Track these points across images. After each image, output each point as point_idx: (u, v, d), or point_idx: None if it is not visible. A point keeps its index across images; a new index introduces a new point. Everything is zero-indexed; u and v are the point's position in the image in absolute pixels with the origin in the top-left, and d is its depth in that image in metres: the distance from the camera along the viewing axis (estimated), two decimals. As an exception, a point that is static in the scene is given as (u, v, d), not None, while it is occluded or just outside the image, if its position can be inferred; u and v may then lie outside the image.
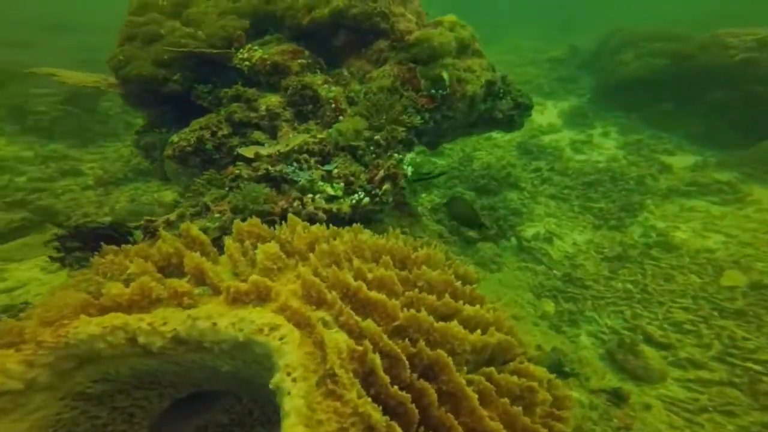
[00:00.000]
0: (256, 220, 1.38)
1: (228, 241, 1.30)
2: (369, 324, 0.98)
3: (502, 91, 3.17)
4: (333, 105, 2.65)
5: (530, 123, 7.29)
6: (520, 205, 4.55)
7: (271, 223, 1.53)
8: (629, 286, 3.61)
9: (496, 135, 6.52)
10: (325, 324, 1.00)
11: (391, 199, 2.36)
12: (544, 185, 5.11)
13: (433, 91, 2.73)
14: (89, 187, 4.71)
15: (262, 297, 1.10)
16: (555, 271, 3.70)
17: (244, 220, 1.39)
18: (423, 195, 4.48)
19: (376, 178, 2.31)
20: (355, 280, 1.10)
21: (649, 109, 7.41)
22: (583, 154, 6.34)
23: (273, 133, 2.65)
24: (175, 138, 2.61)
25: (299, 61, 2.83)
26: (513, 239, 3.99)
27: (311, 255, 1.22)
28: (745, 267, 3.85)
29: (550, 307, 3.26)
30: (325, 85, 2.73)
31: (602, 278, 3.69)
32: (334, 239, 1.34)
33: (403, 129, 2.55)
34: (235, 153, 2.43)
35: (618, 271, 3.80)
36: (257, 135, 2.59)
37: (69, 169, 5.04)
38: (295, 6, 2.99)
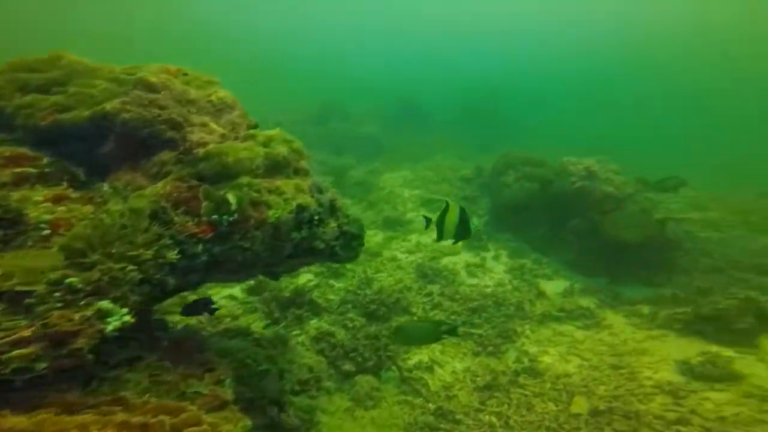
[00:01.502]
0: None
1: None
2: None
3: (317, 218, 2.83)
4: (48, 231, 2.13)
5: (434, 244, 8.33)
6: (408, 332, 5.07)
7: None
8: (494, 418, 4.08)
9: (400, 256, 7.35)
10: None
11: (43, 365, 1.74)
12: (434, 310, 5.76)
13: (215, 216, 2.33)
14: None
15: None
16: (430, 405, 4.07)
17: None
18: (312, 321, 4.81)
19: (5, 339, 1.68)
20: None
21: (531, 233, 8.93)
22: (476, 278, 7.30)
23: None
24: None
25: (19, 169, 2.33)
26: (394, 370, 4.37)
27: None
28: (590, 392, 4.57)
29: (416, 447, 3.54)
30: (46, 204, 2.22)
31: (472, 410, 4.14)
32: None
33: (135, 267, 2.04)
34: None
35: (487, 401, 4.29)
36: None
37: None
38: (37, 104, 2.63)
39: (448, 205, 3.25)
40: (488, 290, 6.79)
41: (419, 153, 15.67)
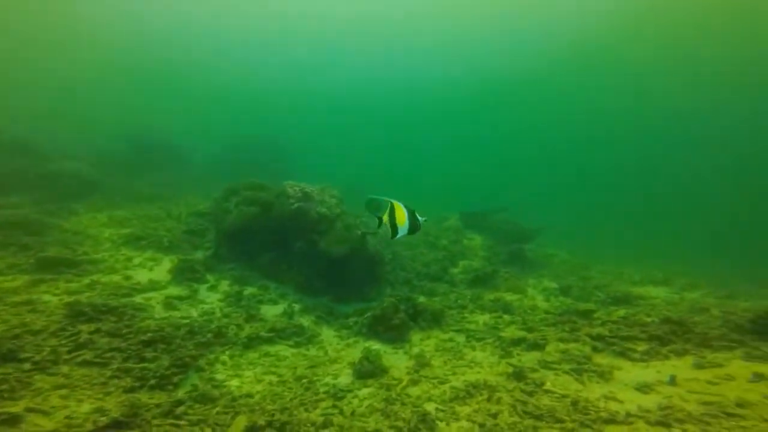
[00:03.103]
0: None
1: None
2: None
3: None
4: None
5: (126, 280, 6.81)
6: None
7: None
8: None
9: (48, 298, 5.55)
10: None
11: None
12: (78, 351, 4.35)
13: None
14: None
15: None
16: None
17: None
18: None
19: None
20: None
21: (260, 259, 8.59)
22: (175, 311, 6.25)
23: None
24: None
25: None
26: None
27: None
28: (261, 408, 4.15)
29: None
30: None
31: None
32: None
33: None
34: None
35: (110, 445, 3.23)
36: None
37: None
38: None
39: (392, 205, 3.47)
40: (185, 321, 5.84)
41: (156, 193, 13.69)
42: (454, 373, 5.27)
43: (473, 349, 6.20)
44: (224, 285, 7.65)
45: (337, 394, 4.69)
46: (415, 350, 6.15)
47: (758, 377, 4.15)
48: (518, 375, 4.93)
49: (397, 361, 5.83)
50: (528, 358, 5.55)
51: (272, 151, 21.32)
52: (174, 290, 6.92)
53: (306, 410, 4.32)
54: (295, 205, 8.53)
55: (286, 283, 8.60)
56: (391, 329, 6.75)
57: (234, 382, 4.85)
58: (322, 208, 8.75)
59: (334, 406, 4.42)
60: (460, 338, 6.67)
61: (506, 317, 7.63)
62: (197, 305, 6.64)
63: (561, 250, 14.89)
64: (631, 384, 4.54)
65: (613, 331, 5.74)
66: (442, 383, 4.97)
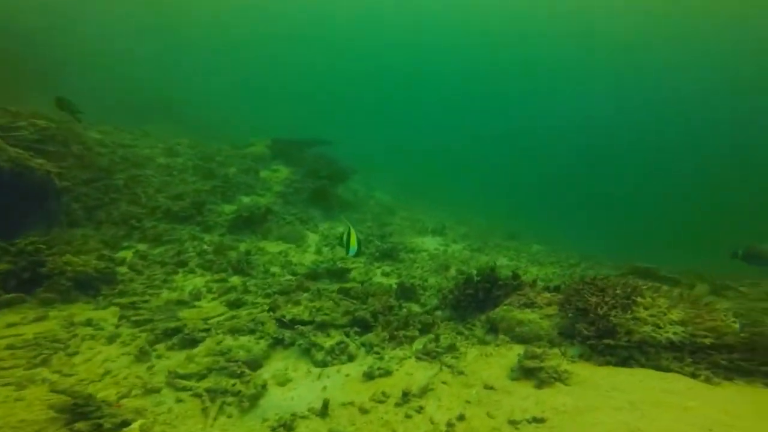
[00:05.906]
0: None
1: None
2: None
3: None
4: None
5: None
6: None
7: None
8: None
9: None
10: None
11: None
12: None
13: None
14: None
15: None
16: None
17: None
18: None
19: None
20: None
21: None
22: None
23: None
24: None
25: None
26: None
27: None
28: None
29: None
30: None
31: None
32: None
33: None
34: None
35: None
36: None
37: None
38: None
39: (350, 229, 3.87)
40: None
41: None
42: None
43: (110, 341, 3.62)
44: None
45: None
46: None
47: (406, 397, 2.77)
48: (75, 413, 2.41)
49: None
50: (162, 366, 3.22)
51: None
52: None
53: None
54: None
55: None
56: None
57: None
58: None
59: None
60: (111, 320, 3.76)
61: (233, 280, 4.92)
62: None
63: (386, 192, 13.01)
64: (274, 417, 2.63)
65: (313, 314, 3.88)
66: None
